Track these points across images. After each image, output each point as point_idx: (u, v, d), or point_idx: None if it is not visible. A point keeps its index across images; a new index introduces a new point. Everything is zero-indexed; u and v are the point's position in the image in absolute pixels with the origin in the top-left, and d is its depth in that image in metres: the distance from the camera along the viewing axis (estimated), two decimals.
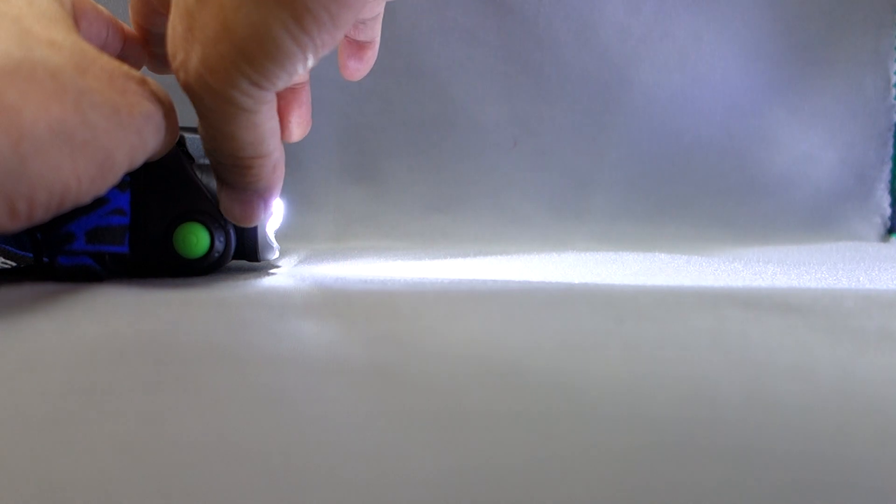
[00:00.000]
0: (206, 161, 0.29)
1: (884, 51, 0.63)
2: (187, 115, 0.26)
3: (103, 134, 0.21)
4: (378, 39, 0.30)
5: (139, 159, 0.23)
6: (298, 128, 0.29)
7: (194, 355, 0.16)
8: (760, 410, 0.13)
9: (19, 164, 0.18)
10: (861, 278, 0.33)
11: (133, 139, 0.22)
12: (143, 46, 0.28)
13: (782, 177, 0.62)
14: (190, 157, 0.28)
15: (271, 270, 0.32)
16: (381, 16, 0.29)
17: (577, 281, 0.30)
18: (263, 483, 0.09)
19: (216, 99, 0.22)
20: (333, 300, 0.25)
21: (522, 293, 0.27)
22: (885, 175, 0.64)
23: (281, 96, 0.28)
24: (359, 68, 0.31)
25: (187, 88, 0.23)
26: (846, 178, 0.63)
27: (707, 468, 0.10)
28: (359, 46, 0.30)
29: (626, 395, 0.13)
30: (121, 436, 0.11)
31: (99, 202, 0.25)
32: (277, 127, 0.25)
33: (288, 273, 0.31)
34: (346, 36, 0.30)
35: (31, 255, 0.28)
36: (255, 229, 0.29)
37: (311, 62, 0.22)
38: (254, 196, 0.26)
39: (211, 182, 0.28)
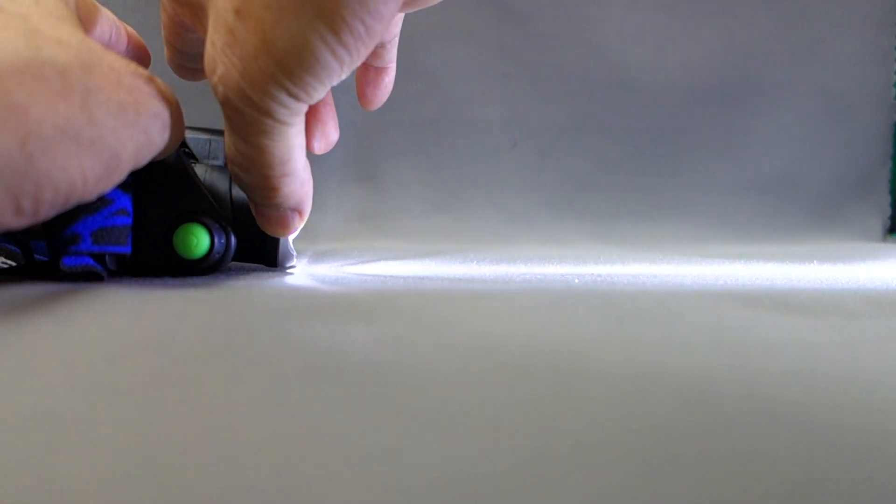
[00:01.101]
0: (210, 161, 0.29)
1: (884, 51, 0.63)
2: (191, 115, 0.26)
3: (110, 132, 0.21)
4: (395, 64, 0.31)
5: (145, 158, 0.23)
6: (321, 141, 0.29)
7: (194, 355, 0.16)
8: (760, 410, 0.13)
9: (26, 162, 0.18)
10: (861, 278, 0.33)
11: (140, 137, 0.22)
12: (173, 62, 0.29)
13: (782, 176, 0.61)
14: (191, 158, 0.29)
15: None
16: (398, 39, 0.30)
17: (577, 281, 0.30)
18: (264, 483, 0.09)
19: (255, 110, 0.22)
20: (333, 300, 0.25)
21: (522, 293, 0.27)
22: (885, 175, 0.64)
23: (308, 112, 0.28)
24: (377, 95, 0.31)
25: (225, 102, 0.23)
26: (846, 178, 0.63)
27: (706, 468, 0.10)
28: (376, 73, 0.30)
29: (626, 395, 0.13)
30: (121, 436, 0.11)
31: (104, 203, 0.25)
32: (304, 144, 0.25)
33: (288, 273, 0.31)
34: (363, 62, 0.30)
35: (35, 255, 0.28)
36: (276, 238, 0.29)
37: (345, 74, 0.22)
38: (287, 211, 0.27)
39: (213, 182, 0.28)
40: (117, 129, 0.21)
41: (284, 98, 0.22)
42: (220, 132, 0.29)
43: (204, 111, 0.47)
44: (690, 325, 0.20)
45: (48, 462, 0.10)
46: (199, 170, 0.28)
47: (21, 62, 0.19)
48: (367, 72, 0.30)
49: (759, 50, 0.60)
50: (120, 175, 0.22)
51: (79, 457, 0.10)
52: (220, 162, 0.29)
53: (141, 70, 0.23)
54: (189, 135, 0.28)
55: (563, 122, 0.57)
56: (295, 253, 0.31)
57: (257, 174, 0.25)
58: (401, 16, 0.29)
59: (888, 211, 0.65)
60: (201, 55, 0.24)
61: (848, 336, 0.19)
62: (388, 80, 0.31)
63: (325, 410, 0.12)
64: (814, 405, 0.13)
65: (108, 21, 0.26)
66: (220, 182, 0.28)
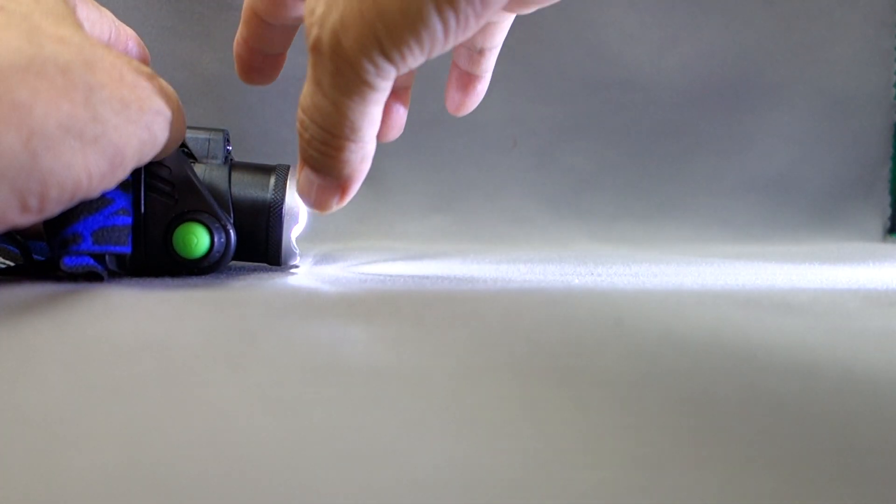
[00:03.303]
0: (210, 160, 0.29)
1: (884, 51, 0.63)
2: (191, 115, 0.26)
3: (113, 129, 0.21)
4: (489, 77, 0.29)
5: (148, 155, 0.23)
6: (392, 129, 0.28)
7: (194, 355, 0.16)
8: (760, 411, 0.13)
9: (30, 160, 0.19)
10: (861, 278, 0.33)
11: (143, 134, 0.22)
12: (247, 64, 0.28)
13: (782, 177, 0.61)
14: (191, 157, 0.29)
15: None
16: (499, 50, 0.29)
17: (577, 281, 0.30)
18: (264, 483, 0.09)
19: (344, 63, 0.21)
20: (333, 300, 0.25)
21: (522, 293, 0.27)
22: (886, 175, 0.64)
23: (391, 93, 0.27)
24: (464, 102, 0.30)
25: (316, 46, 0.21)
26: (846, 178, 0.63)
27: (706, 468, 0.10)
28: (470, 79, 0.29)
29: (626, 395, 0.13)
30: (121, 436, 0.11)
31: (104, 202, 0.25)
32: (380, 118, 0.24)
33: (290, 273, 0.31)
34: (458, 66, 0.29)
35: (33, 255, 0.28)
36: (279, 235, 0.29)
37: (445, 46, 0.21)
38: (334, 184, 0.25)
39: (212, 181, 0.28)
40: (120, 125, 0.21)
41: (378, 57, 0.21)
42: (219, 131, 0.29)
43: (204, 111, 0.47)
44: (690, 325, 0.20)
45: (48, 462, 0.10)
46: (199, 169, 0.28)
47: (24, 60, 0.19)
48: (462, 76, 0.29)
49: (759, 50, 0.60)
50: (124, 172, 0.22)
51: (79, 457, 0.10)
52: (219, 161, 0.29)
53: (143, 67, 0.23)
54: (188, 134, 0.28)
55: (563, 122, 0.57)
56: (298, 251, 0.31)
57: (324, 131, 0.23)
58: (506, 24, 0.28)
59: (888, 211, 0.65)
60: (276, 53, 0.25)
61: (848, 336, 0.19)
62: (481, 88, 0.30)
63: (325, 410, 0.12)
64: (814, 405, 0.13)
65: (107, 20, 0.26)
66: (220, 181, 0.28)
